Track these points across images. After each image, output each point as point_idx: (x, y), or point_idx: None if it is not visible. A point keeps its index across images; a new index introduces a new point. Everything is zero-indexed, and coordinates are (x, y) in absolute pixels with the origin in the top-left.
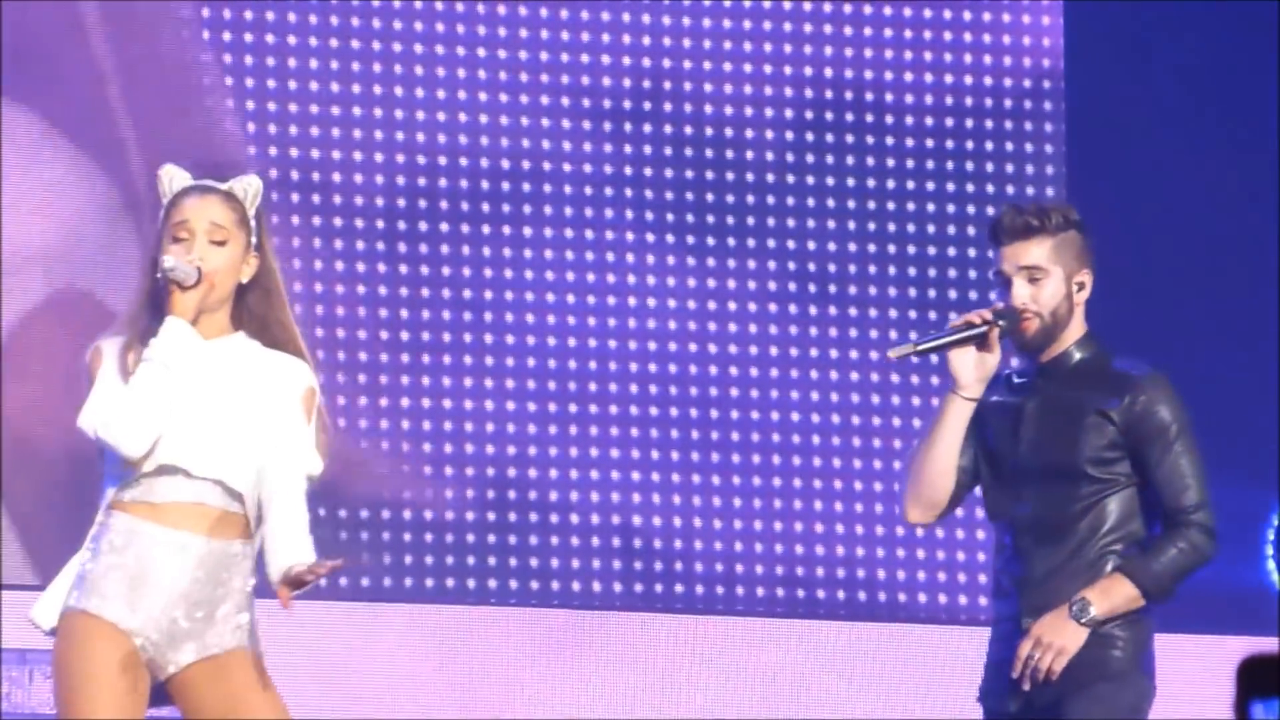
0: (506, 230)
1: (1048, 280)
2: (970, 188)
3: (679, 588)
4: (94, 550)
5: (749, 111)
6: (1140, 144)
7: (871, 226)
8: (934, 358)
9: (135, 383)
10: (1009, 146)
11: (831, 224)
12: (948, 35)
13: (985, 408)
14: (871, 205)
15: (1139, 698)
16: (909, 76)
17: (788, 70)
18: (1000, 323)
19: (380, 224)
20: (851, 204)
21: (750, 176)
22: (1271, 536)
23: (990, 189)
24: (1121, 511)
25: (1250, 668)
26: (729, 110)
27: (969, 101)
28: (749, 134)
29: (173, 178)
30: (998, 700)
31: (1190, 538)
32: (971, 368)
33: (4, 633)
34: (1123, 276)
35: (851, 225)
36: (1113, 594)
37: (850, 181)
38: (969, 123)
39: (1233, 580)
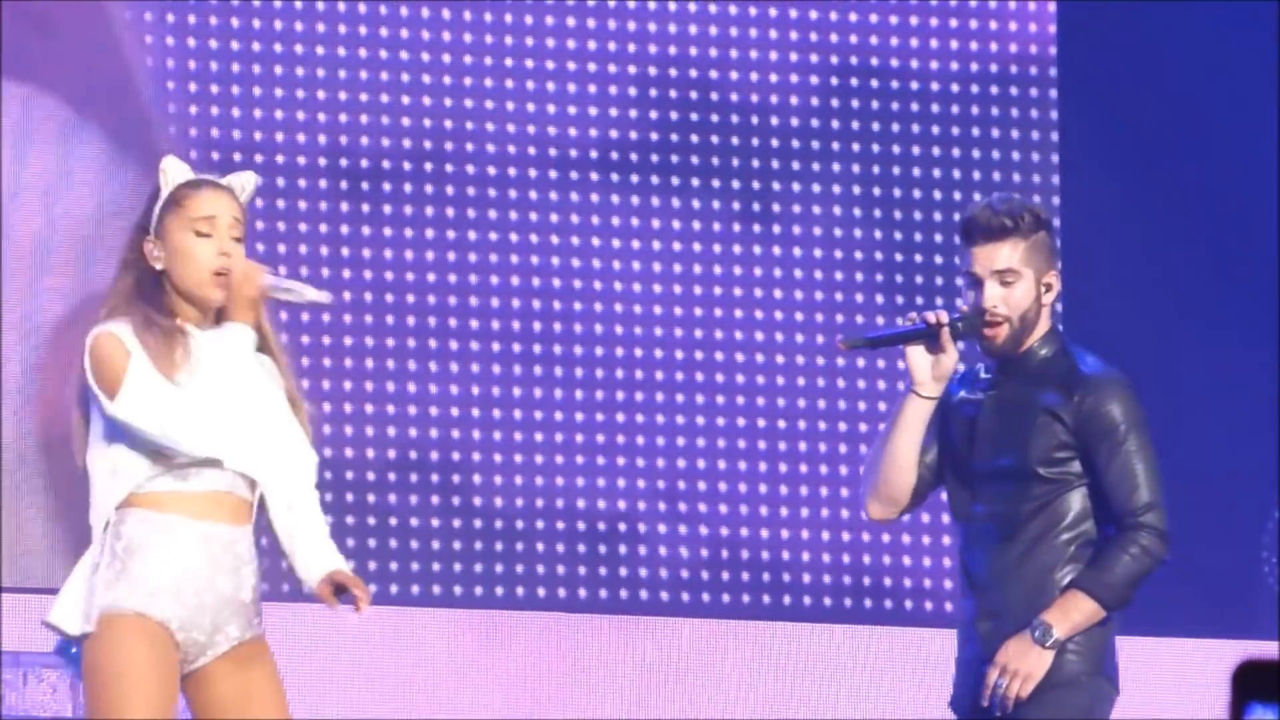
0: (497, 222)
1: (1019, 283)
2: (959, 195)
3: (664, 594)
4: (120, 547)
5: (736, 117)
6: (1135, 131)
7: (858, 232)
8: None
9: (206, 388)
10: (996, 154)
11: (819, 229)
12: (934, 26)
13: (951, 405)
14: (859, 207)
15: (1094, 700)
16: (896, 81)
17: (777, 66)
18: (959, 324)
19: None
20: (839, 209)
21: (737, 182)
22: (1270, 538)
23: (978, 193)
24: (1075, 512)
25: (1247, 672)
26: (717, 114)
27: (957, 110)
28: (735, 138)
29: (175, 169)
30: (959, 703)
31: (1140, 541)
32: (927, 367)
33: (1, 635)
34: (1118, 269)
35: (838, 232)
36: (1071, 613)
37: (838, 188)
38: (956, 129)
39: (1233, 581)
